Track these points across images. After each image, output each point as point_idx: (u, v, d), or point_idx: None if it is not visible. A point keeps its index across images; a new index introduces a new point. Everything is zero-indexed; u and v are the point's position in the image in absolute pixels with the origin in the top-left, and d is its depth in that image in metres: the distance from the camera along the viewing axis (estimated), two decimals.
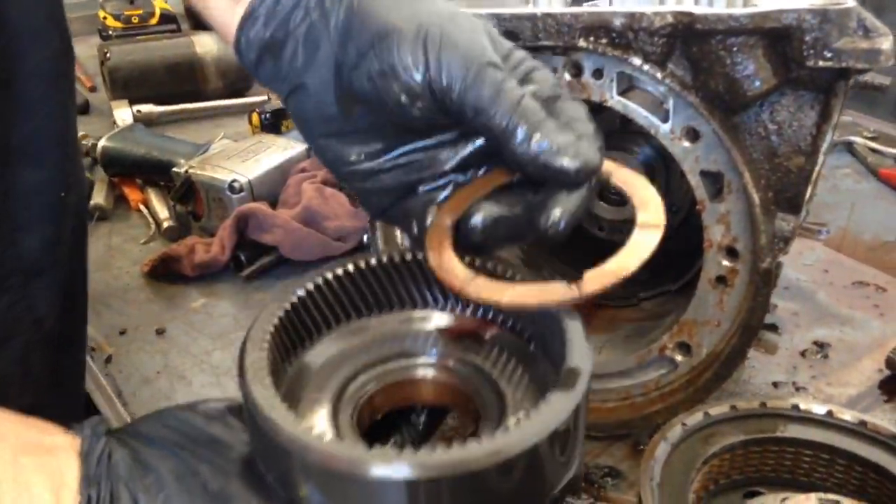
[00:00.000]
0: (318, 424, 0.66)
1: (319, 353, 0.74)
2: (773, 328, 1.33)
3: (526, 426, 0.55)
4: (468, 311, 0.77)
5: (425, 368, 0.74)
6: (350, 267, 0.75)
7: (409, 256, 0.77)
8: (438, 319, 0.78)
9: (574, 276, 0.67)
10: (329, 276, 0.74)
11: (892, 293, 1.41)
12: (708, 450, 0.86)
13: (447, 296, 0.77)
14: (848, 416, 0.87)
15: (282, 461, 0.57)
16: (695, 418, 0.87)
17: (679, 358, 1.08)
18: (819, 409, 0.88)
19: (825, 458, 0.86)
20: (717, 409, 0.88)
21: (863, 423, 0.86)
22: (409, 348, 0.75)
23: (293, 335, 0.72)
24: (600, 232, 1.39)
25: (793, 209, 0.94)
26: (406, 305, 0.79)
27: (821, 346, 1.29)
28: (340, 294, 0.75)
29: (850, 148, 1.89)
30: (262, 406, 0.57)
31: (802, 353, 1.28)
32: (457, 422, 0.86)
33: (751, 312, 1.00)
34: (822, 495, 0.79)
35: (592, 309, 1.27)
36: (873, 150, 1.86)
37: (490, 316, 0.77)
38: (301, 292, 0.72)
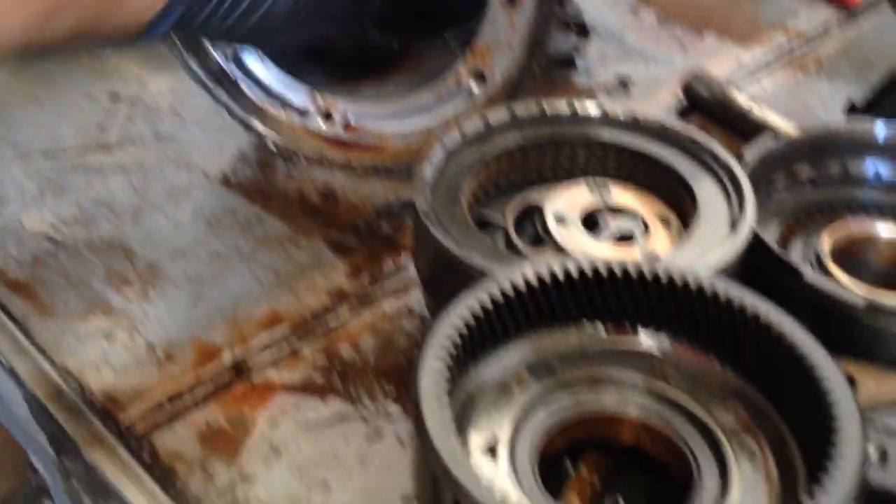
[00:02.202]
0: (498, 471, 0.56)
1: (495, 369, 0.62)
2: (571, 64, 1.33)
3: None
4: (687, 340, 0.64)
5: (626, 403, 0.62)
6: (544, 270, 0.62)
7: (616, 267, 0.63)
8: (646, 343, 0.65)
9: None
10: (520, 278, 0.61)
11: (697, 32, 1.43)
12: (486, 153, 0.85)
13: (662, 315, 0.64)
14: (620, 111, 0.87)
15: None
16: (473, 124, 0.86)
17: (475, 88, 1.06)
18: (593, 110, 0.88)
19: (599, 153, 0.87)
20: (496, 115, 0.87)
21: (634, 119, 0.87)
22: (605, 375, 0.63)
23: (469, 347, 0.60)
24: None
25: None
26: (605, 320, 0.65)
27: (623, 82, 1.30)
28: (528, 301, 0.63)
29: None
30: (449, 466, 0.49)
31: (607, 91, 1.29)
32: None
33: (538, 30, 0.98)
34: (592, 180, 0.81)
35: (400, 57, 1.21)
36: None
37: (714, 350, 0.64)
38: (486, 296, 0.59)
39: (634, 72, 1.33)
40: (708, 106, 1.21)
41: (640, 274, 0.61)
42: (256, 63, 1.13)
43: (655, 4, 1.50)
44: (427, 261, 0.79)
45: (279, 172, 1.12)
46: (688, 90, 1.24)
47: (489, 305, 0.59)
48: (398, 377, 0.79)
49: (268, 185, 1.09)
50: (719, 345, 0.62)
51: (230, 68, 1.14)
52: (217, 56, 1.13)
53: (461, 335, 0.56)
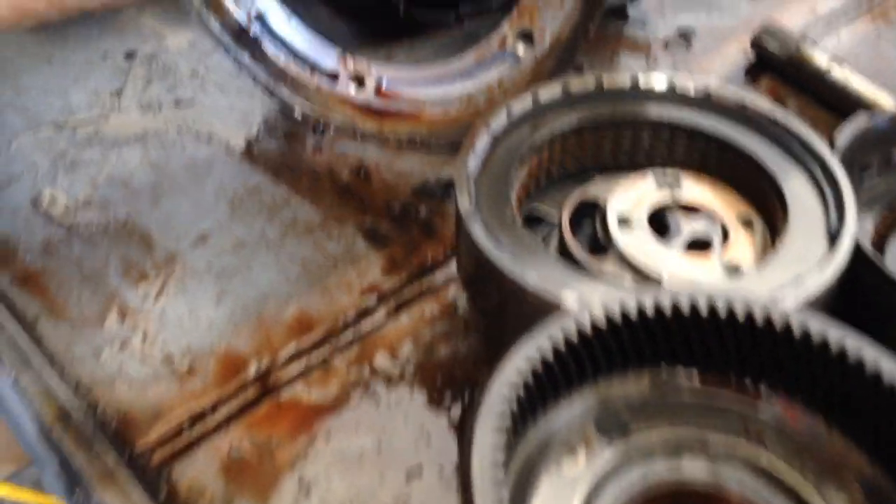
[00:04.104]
0: None
1: (558, 425, 0.53)
2: (624, 16, 1.21)
3: None
4: (793, 396, 0.52)
5: (716, 476, 0.52)
6: (615, 308, 0.52)
7: (703, 304, 0.52)
8: (740, 397, 0.54)
9: None
10: (587, 320, 0.52)
11: None
12: (537, 137, 0.75)
13: (758, 364, 0.53)
14: (692, 86, 0.76)
15: None
16: (521, 103, 0.76)
17: (521, 51, 0.95)
18: (660, 84, 0.77)
19: (666, 135, 0.77)
20: (548, 92, 0.77)
21: (707, 95, 0.76)
22: (689, 437, 0.53)
23: (527, 405, 0.52)
24: None
25: None
26: (687, 367, 0.55)
27: (685, 34, 1.17)
28: (595, 344, 0.53)
29: None
30: None
31: (666, 45, 1.16)
32: None
33: None
34: (660, 172, 0.71)
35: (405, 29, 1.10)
36: None
37: (827, 412, 0.52)
38: (548, 343, 0.50)
39: (696, 22, 1.20)
40: (780, 65, 1.08)
41: (732, 313, 0.51)
42: (282, 22, 1.03)
43: None
44: (470, 265, 0.70)
45: (307, 144, 1.03)
46: (757, 46, 1.11)
47: (550, 356, 0.50)
48: (440, 396, 0.71)
49: (295, 160, 1.00)
50: (833, 406, 0.51)
51: (253, 28, 1.04)
52: (239, 13, 1.03)
53: (518, 395, 0.48)
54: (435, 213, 0.93)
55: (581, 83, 0.78)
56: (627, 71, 0.78)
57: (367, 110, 1.04)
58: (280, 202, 0.95)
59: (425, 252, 0.88)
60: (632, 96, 0.78)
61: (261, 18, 1.03)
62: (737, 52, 1.14)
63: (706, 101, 0.76)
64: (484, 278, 0.67)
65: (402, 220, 0.92)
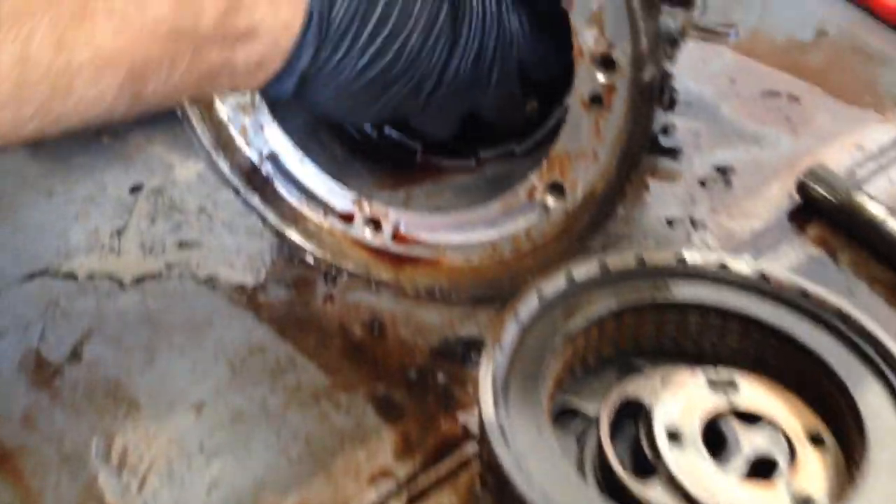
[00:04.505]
0: None
1: None
2: (672, 153, 1.14)
3: None
4: None
5: None
6: None
7: None
8: None
9: None
10: None
11: (806, 102, 1.22)
12: (571, 324, 0.67)
13: None
14: (746, 268, 0.68)
15: None
16: (554, 284, 0.68)
17: (551, 202, 0.88)
18: (710, 261, 0.69)
19: (717, 322, 0.68)
20: (584, 270, 0.69)
21: (763, 278, 0.68)
22: None
23: None
24: None
25: (683, 0, 0.71)
26: None
27: (723, 171, 1.10)
28: None
29: None
30: None
31: (702, 182, 1.09)
32: None
33: (632, 138, 0.79)
34: (712, 370, 0.62)
35: (423, 172, 1.03)
36: None
37: None
38: None
39: (734, 158, 1.13)
40: (830, 211, 1.01)
41: None
42: (295, 162, 0.97)
43: (753, 69, 1.30)
44: (494, 485, 0.61)
45: (317, 293, 0.95)
46: (803, 189, 1.03)
47: None
48: None
49: (304, 311, 0.93)
50: None
51: (265, 168, 0.98)
52: (250, 152, 0.97)
53: None
54: (454, 380, 0.84)
55: (621, 260, 0.70)
56: (671, 248, 0.70)
57: (382, 255, 0.97)
58: (285, 363, 0.87)
59: (443, 429, 0.79)
60: (677, 275, 0.70)
61: (273, 158, 0.97)
62: (780, 194, 1.06)
63: (762, 286, 0.68)
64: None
65: (418, 388, 0.84)
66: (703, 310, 0.68)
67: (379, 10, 0.69)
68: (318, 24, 0.67)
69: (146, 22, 0.59)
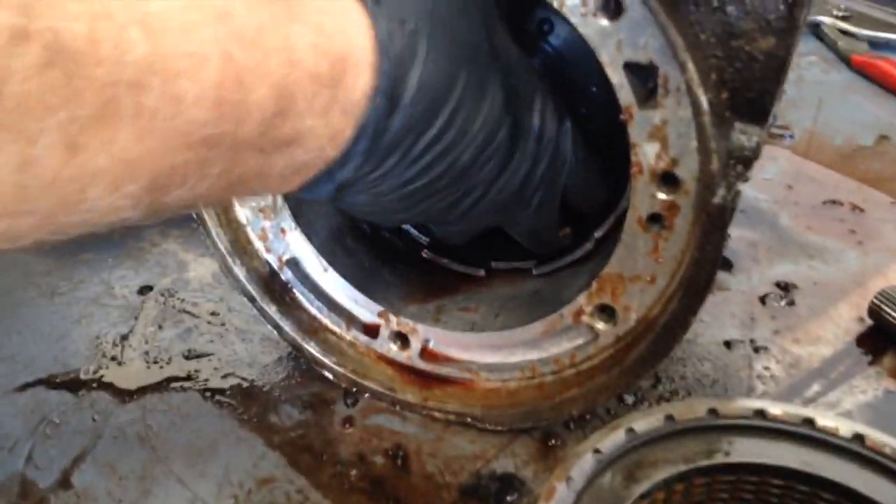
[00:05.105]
0: None
1: None
2: (726, 265, 1.06)
3: None
4: None
5: None
6: None
7: None
8: None
9: None
10: None
11: (871, 213, 1.13)
12: (634, 490, 0.56)
13: None
14: (839, 426, 0.58)
15: None
16: (612, 440, 0.58)
17: (600, 326, 0.78)
18: (794, 416, 0.59)
19: (803, 489, 0.58)
20: (646, 422, 0.59)
21: (859, 439, 0.57)
22: None
23: None
24: None
25: (757, 116, 0.63)
26: None
27: (785, 287, 1.01)
28: None
29: (815, 30, 1.57)
30: None
31: (762, 299, 0.99)
32: None
33: (697, 266, 0.70)
34: None
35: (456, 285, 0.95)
36: (844, 33, 1.54)
37: None
38: None
39: (796, 274, 1.03)
40: None
41: None
42: (318, 269, 0.89)
43: (811, 174, 1.22)
44: None
45: (336, 415, 0.86)
46: (876, 313, 0.93)
47: None
48: None
49: (319, 437, 0.83)
50: None
51: (285, 274, 0.90)
52: (269, 257, 0.89)
53: None
54: None
55: (689, 410, 0.60)
56: (742, 399, 0.60)
57: (409, 373, 0.88)
58: (295, 499, 0.77)
59: None
60: (755, 431, 0.60)
61: (294, 264, 0.89)
62: (849, 316, 0.97)
63: (857, 449, 0.58)
64: None
65: None
66: (787, 473, 0.58)
67: (438, 125, 0.62)
68: (370, 136, 0.60)
69: (178, 125, 0.49)
